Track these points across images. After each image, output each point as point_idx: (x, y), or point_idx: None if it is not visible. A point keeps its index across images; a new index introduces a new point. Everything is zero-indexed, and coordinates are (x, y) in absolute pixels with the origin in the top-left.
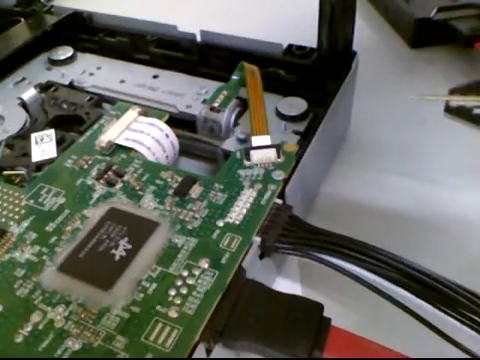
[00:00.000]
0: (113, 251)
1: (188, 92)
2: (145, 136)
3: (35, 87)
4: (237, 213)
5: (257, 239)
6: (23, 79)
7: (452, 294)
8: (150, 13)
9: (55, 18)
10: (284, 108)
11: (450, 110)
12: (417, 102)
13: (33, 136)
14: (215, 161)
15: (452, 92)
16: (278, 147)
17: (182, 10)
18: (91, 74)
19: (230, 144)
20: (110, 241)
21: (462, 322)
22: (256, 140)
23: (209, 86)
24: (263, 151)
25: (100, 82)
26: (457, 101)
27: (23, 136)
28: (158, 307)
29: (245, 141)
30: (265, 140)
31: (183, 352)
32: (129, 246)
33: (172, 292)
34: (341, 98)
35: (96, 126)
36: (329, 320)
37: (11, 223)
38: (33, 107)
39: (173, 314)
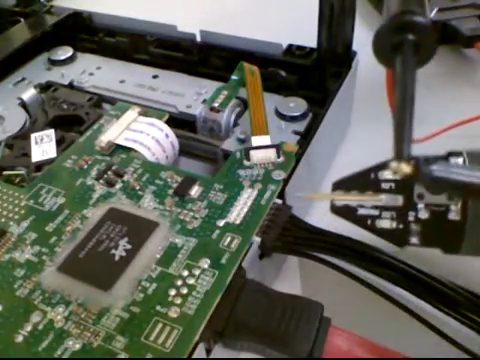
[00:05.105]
0: (113, 251)
1: (188, 92)
2: (145, 136)
3: (35, 87)
4: (237, 213)
5: (257, 239)
6: (23, 79)
7: (452, 294)
8: (150, 13)
9: (55, 18)
10: (284, 108)
11: (335, 210)
12: (307, 196)
13: (33, 136)
14: (215, 161)
15: (336, 186)
16: (278, 147)
17: (182, 10)
18: (91, 74)
19: (230, 144)
20: (110, 241)
21: (462, 322)
22: (256, 140)
23: (209, 86)
24: (263, 151)
25: (100, 82)
26: (341, 200)
27: (23, 136)
28: (158, 307)
29: (245, 141)
30: (265, 140)
31: (183, 352)
32: (129, 246)
33: (172, 292)
34: (341, 98)
35: (96, 126)
36: (329, 320)
37: (11, 223)
38: (33, 107)
39: (173, 314)
